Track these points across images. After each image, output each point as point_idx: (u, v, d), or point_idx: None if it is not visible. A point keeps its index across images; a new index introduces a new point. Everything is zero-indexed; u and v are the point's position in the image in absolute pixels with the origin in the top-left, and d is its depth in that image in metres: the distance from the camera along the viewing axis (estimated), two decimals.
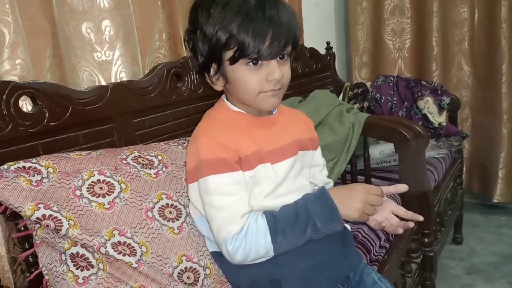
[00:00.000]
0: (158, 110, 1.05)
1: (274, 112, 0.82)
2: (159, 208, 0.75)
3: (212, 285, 0.76)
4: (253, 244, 0.69)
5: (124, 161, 0.78)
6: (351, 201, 0.75)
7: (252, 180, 0.74)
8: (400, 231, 0.87)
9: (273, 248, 0.70)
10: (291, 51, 0.75)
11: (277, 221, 0.71)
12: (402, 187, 0.84)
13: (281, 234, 0.70)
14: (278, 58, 0.72)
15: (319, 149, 0.90)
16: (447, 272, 1.72)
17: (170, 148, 0.87)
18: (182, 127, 1.11)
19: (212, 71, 0.75)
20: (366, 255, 1.07)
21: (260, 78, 0.71)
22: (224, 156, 0.71)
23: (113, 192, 0.72)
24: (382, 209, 0.85)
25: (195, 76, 1.13)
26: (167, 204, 0.77)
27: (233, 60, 0.70)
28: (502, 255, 1.80)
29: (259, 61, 0.70)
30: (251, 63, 0.70)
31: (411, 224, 0.86)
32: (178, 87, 1.09)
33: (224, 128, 0.75)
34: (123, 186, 0.74)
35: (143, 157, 0.81)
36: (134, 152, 0.82)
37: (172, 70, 1.05)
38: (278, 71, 0.71)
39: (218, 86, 0.76)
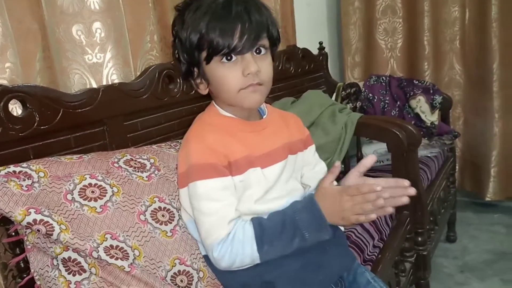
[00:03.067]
0: (150, 112, 1.04)
1: (264, 117, 0.82)
2: (152, 211, 0.75)
3: None
4: (239, 251, 0.69)
5: (116, 165, 0.77)
6: (338, 212, 0.70)
7: (243, 184, 0.74)
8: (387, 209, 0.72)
9: (259, 257, 0.70)
10: (272, 48, 0.76)
11: (264, 230, 0.70)
12: (369, 159, 0.76)
13: (267, 244, 0.69)
14: (254, 53, 0.72)
15: (310, 148, 0.89)
16: (440, 270, 1.73)
17: (162, 151, 0.87)
18: (175, 129, 1.11)
19: (195, 75, 0.77)
20: (359, 255, 1.07)
21: (237, 73, 0.72)
22: (213, 162, 0.71)
23: (105, 196, 0.72)
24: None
25: None
26: (159, 207, 0.76)
27: (208, 59, 0.72)
28: (494, 253, 1.82)
29: (233, 57, 0.71)
30: (225, 60, 0.71)
31: (390, 209, 0.71)
32: (170, 89, 1.08)
33: (214, 132, 0.75)
34: (115, 189, 0.73)
35: (135, 160, 0.81)
36: (126, 155, 0.81)
37: (164, 72, 1.05)
38: (253, 64, 0.71)
39: (203, 89, 0.78)
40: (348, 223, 0.71)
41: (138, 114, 1.01)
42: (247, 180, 0.74)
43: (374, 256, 1.13)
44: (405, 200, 0.71)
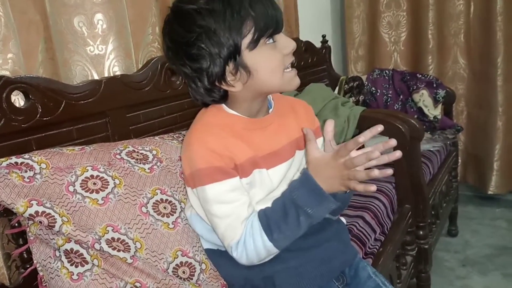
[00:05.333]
0: (152, 105, 1.04)
1: (270, 110, 0.78)
2: (154, 203, 0.75)
3: (208, 280, 0.76)
4: (252, 247, 0.68)
5: (118, 156, 0.77)
6: (330, 180, 0.68)
7: (249, 186, 0.72)
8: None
9: (273, 245, 0.68)
10: None
11: (269, 218, 0.69)
12: (328, 124, 0.72)
13: (276, 231, 0.68)
14: None
15: (318, 140, 0.83)
16: (442, 264, 1.73)
17: (165, 143, 0.87)
18: (177, 121, 1.11)
19: (230, 72, 0.69)
20: (361, 248, 1.07)
21: (279, 54, 0.69)
22: (219, 164, 0.68)
23: (106, 188, 0.72)
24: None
25: None
26: (161, 199, 0.76)
27: (256, 42, 0.67)
28: (496, 247, 1.82)
29: (274, 37, 0.69)
30: (270, 40, 0.69)
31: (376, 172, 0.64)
32: (172, 81, 1.08)
33: (217, 134, 0.71)
34: (117, 181, 0.73)
35: (137, 152, 0.81)
36: (128, 147, 0.81)
37: (166, 64, 1.04)
38: (291, 40, 0.70)
39: (238, 85, 0.70)
40: (348, 188, 0.68)
41: (140, 106, 1.01)
42: (253, 182, 0.72)
43: (375, 249, 1.13)
44: (397, 155, 0.65)
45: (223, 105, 0.75)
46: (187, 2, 0.68)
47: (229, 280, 0.78)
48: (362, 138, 0.65)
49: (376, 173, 0.63)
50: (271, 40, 0.69)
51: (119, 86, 0.94)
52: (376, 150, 0.64)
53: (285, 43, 0.70)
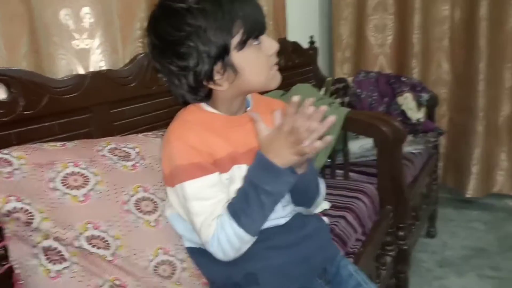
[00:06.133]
0: (137, 101, 1.03)
1: (249, 108, 0.80)
2: (136, 201, 0.75)
3: (189, 279, 0.77)
4: (225, 238, 0.69)
5: (100, 153, 0.77)
6: (280, 151, 0.69)
7: (229, 181, 0.73)
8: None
9: (244, 230, 0.68)
10: None
11: (234, 205, 0.70)
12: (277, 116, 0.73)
13: (242, 215, 0.69)
14: None
15: None
16: (420, 265, 1.77)
17: (148, 140, 0.86)
18: (162, 118, 1.09)
19: (217, 72, 0.70)
20: (343, 248, 1.09)
21: (265, 55, 0.72)
22: (198, 161, 0.69)
23: (87, 184, 0.71)
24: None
25: None
26: (143, 197, 0.76)
27: (244, 43, 0.69)
28: (472, 249, 1.86)
29: (259, 38, 0.71)
30: (256, 42, 0.71)
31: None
32: (158, 77, 1.06)
33: (196, 131, 0.72)
34: (99, 178, 0.73)
35: (120, 149, 0.80)
36: (111, 144, 0.80)
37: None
38: (274, 41, 0.72)
39: (225, 85, 0.71)
40: (301, 157, 0.69)
41: (125, 102, 1.00)
42: (233, 177, 0.73)
43: (356, 249, 1.15)
44: (330, 119, 0.66)
45: (202, 104, 0.76)
46: (177, 0, 0.68)
47: (211, 278, 0.79)
48: (295, 97, 0.67)
49: (318, 143, 0.66)
50: (257, 41, 0.71)
51: (104, 81, 0.93)
52: (309, 106, 0.65)
53: (269, 44, 0.72)
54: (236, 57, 0.70)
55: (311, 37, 1.99)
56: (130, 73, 0.99)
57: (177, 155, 0.70)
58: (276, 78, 0.75)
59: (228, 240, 0.69)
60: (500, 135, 2.14)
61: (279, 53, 0.76)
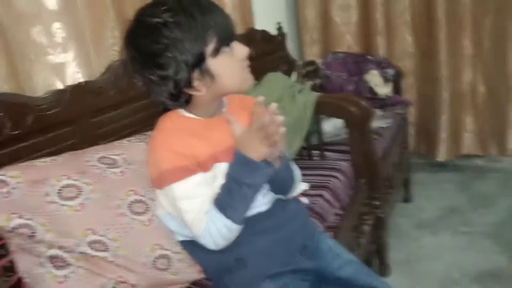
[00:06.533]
0: (117, 107, 1.08)
1: (224, 110, 0.86)
2: (128, 204, 0.81)
3: (184, 269, 0.84)
4: (216, 230, 0.76)
5: (89, 163, 0.82)
6: (254, 147, 0.76)
7: (212, 179, 0.80)
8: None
9: (232, 221, 0.76)
10: None
11: (220, 200, 0.78)
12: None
13: (228, 208, 0.77)
14: None
15: None
16: (398, 228, 1.88)
17: (132, 145, 0.91)
18: (142, 120, 1.14)
19: (196, 78, 0.76)
20: (322, 223, 1.17)
21: (237, 59, 0.78)
22: (183, 164, 0.76)
23: (82, 194, 0.77)
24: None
25: None
26: (135, 200, 0.82)
27: (217, 50, 0.75)
28: (445, 209, 1.99)
29: (230, 45, 0.77)
30: (228, 48, 0.77)
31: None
32: (134, 82, 1.11)
33: (178, 136, 0.79)
34: (92, 187, 0.78)
35: (108, 157, 0.85)
36: (98, 153, 0.85)
37: (127, 67, 1.08)
38: (244, 46, 0.79)
39: (204, 90, 0.77)
40: (273, 148, 0.77)
41: (105, 110, 1.04)
42: (216, 174, 0.80)
43: (336, 223, 1.24)
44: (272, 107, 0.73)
45: (180, 110, 0.82)
46: (151, 15, 0.74)
47: (204, 265, 0.87)
48: (260, 97, 0.75)
49: (282, 129, 0.75)
50: (229, 48, 0.77)
51: (84, 93, 0.97)
52: (274, 106, 0.73)
53: (240, 49, 0.79)
54: (212, 63, 0.76)
55: (278, 23, 2.03)
56: (107, 82, 1.04)
57: (163, 160, 0.77)
58: (248, 80, 0.82)
59: (219, 231, 0.76)
60: (465, 101, 2.25)
61: (248, 44, 0.82)
